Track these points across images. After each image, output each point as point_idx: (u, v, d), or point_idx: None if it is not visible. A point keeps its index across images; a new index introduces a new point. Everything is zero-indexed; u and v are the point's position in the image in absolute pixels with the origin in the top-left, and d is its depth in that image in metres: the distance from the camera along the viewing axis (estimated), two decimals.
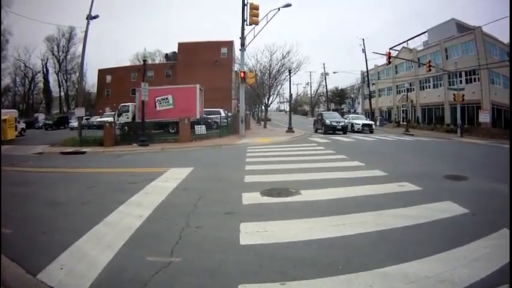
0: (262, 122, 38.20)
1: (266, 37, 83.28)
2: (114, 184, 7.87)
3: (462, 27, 35.68)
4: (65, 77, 64.25)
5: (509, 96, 25.48)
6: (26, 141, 22.95)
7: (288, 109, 73.09)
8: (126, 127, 21.09)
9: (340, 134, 25.23)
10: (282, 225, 4.62)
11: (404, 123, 37.57)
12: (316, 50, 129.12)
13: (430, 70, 27.82)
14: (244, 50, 22.95)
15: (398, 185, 6.96)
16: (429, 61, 28.72)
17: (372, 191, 6.53)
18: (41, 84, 64.66)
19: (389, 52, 29.14)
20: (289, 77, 29.88)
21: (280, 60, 34.73)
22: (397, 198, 5.95)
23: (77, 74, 62.47)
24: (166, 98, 22.72)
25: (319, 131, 27.97)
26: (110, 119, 25.28)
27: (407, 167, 9.52)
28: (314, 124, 30.70)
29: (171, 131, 21.74)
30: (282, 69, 34.94)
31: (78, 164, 11.72)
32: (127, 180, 8.09)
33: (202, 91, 24.73)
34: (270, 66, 35.33)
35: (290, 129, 26.49)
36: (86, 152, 16.15)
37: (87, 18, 21.31)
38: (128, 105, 23.95)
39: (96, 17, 21.67)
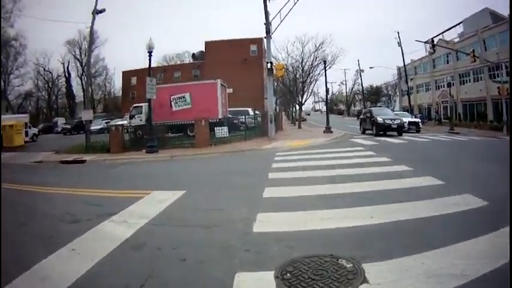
0: (297, 123, 34.66)
1: (294, 31, 78.94)
2: (49, 222, 4.99)
3: (496, 17, 33.08)
4: (89, 81, 62.30)
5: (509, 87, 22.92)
6: (35, 147, 21.63)
7: (323, 108, 69.28)
8: (139, 130, 18.58)
9: (394, 135, 19.99)
10: None
11: (445, 120, 34.27)
12: (347, 47, 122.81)
13: (474, 61, 25.41)
14: (270, 37, 19.61)
15: None
16: (473, 50, 25.78)
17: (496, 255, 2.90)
18: (64, 89, 62.55)
19: (432, 39, 27.03)
20: (325, 69, 26.00)
21: (313, 52, 31.04)
22: None
23: (102, 77, 61.40)
24: (183, 97, 19.89)
25: (367, 131, 22.52)
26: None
27: (502, 187, 5.34)
28: (361, 124, 25.02)
29: (189, 133, 18.81)
30: (316, 63, 31.24)
31: (56, 179, 9.36)
32: (74, 214, 5.20)
33: (225, 88, 21.65)
34: (303, 60, 31.75)
35: (328, 129, 22.45)
36: (85, 160, 14.00)
37: (92, 13, 19.10)
38: (141, 106, 21.26)
39: (102, 11, 19.37)
